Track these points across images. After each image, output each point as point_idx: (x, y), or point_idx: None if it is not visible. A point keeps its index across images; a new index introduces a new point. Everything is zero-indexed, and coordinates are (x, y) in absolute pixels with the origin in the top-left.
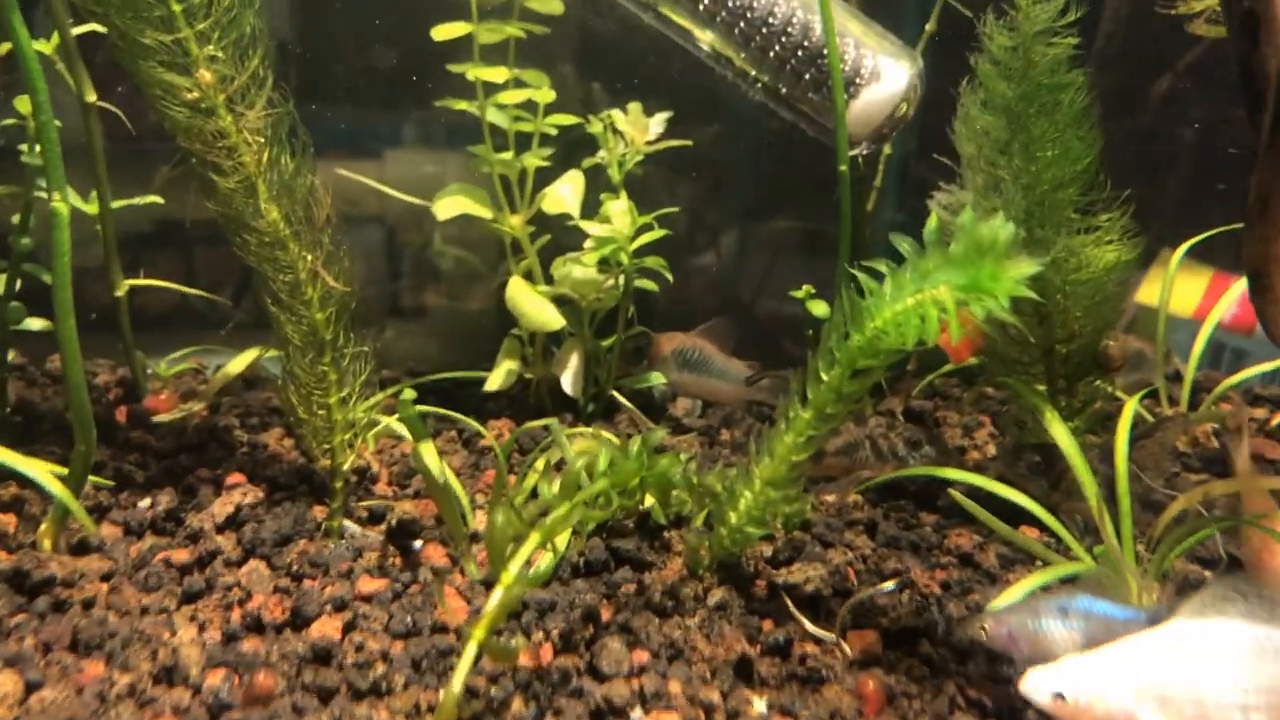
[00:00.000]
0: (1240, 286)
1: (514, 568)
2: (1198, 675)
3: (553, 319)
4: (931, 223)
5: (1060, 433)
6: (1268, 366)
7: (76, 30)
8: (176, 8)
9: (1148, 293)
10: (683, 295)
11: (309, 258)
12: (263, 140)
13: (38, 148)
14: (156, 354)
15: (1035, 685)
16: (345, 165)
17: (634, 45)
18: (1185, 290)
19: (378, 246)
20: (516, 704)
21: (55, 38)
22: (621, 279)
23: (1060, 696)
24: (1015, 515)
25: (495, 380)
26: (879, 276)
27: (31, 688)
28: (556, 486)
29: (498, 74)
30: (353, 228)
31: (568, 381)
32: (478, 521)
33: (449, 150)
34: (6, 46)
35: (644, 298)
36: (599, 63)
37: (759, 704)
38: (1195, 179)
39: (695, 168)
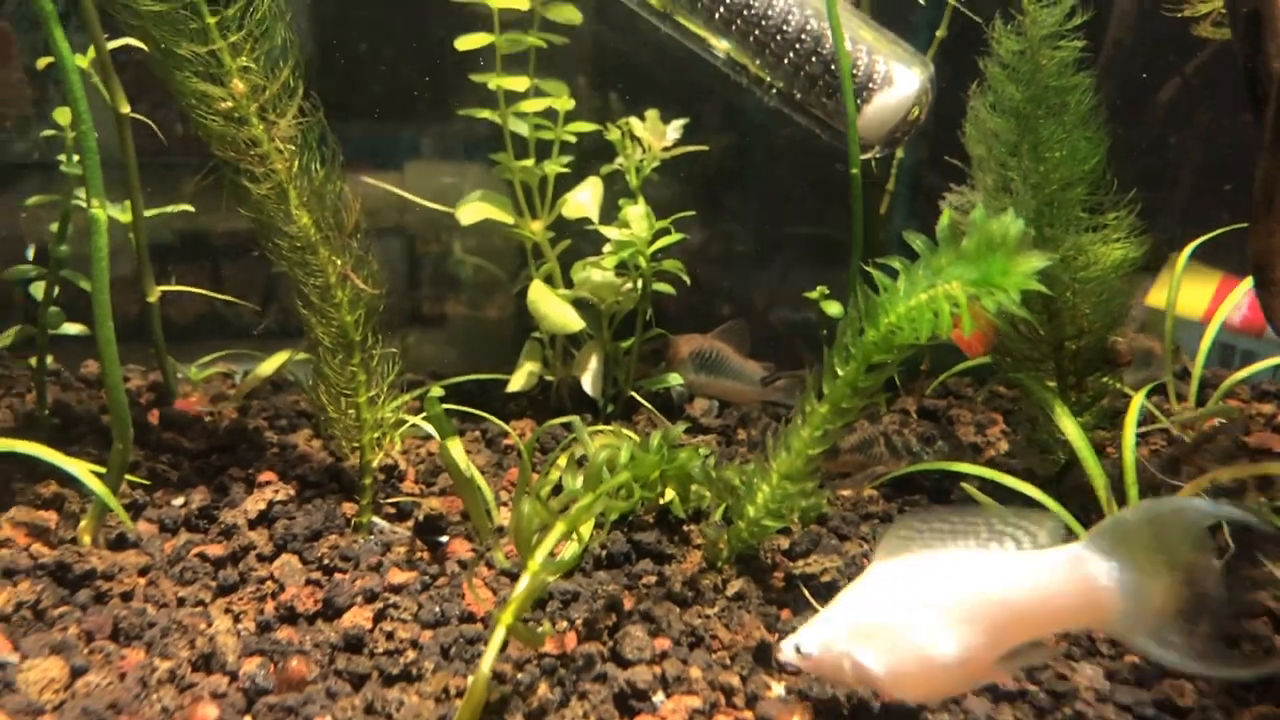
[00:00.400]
0: (1248, 289)
1: (540, 556)
2: (892, 607)
3: (573, 321)
4: (944, 220)
5: (1070, 427)
6: (1272, 361)
7: (111, 45)
8: (210, 20)
9: (1158, 296)
10: (701, 299)
11: (339, 261)
12: (294, 148)
13: (75, 157)
14: (184, 361)
15: (785, 647)
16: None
17: (650, 55)
18: (1195, 293)
19: (399, 256)
20: (542, 688)
21: (91, 52)
22: (639, 282)
23: (799, 650)
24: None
25: (517, 381)
26: (894, 275)
27: (77, 673)
28: (580, 479)
29: (519, 83)
30: (374, 239)
31: (588, 382)
32: (502, 517)
33: (466, 161)
34: (43, 62)
35: (664, 301)
36: (616, 72)
37: (777, 688)
38: (1203, 182)
39: (712, 175)
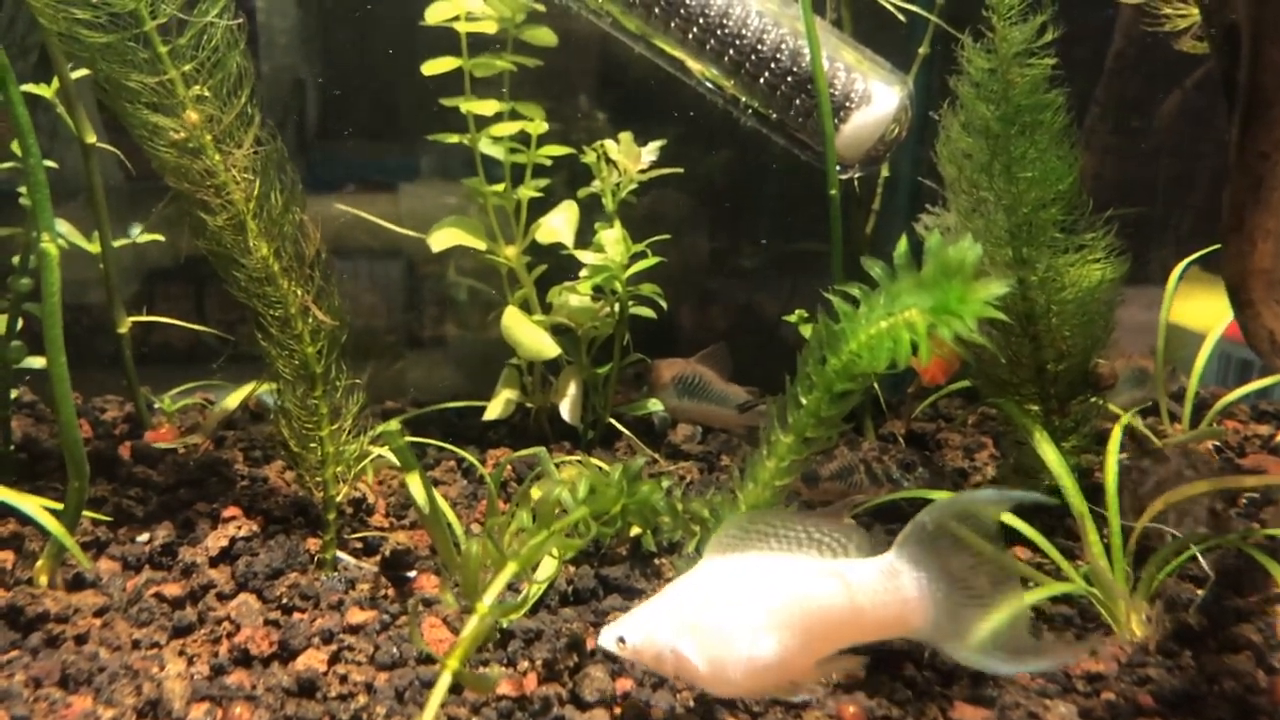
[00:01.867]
0: None
1: (489, 597)
2: (717, 605)
3: (547, 347)
4: (901, 245)
5: (1049, 453)
6: (1268, 381)
7: (76, 74)
8: (162, 50)
9: (1180, 312)
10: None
11: (299, 293)
12: (251, 177)
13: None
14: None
15: (605, 635)
16: (364, 198)
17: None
18: (1217, 308)
19: (394, 279)
20: None
21: (55, 82)
22: (616, 307)
23: (622, 641)
24: (1009, 536)
25: (494, 409)
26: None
27: None
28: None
29: (487, 107)
30: (371, 259)
31: (566, 409)
32: None
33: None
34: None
35: (663, 322)
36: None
37: None
38: (1217, 194)
39: (712, 194)
